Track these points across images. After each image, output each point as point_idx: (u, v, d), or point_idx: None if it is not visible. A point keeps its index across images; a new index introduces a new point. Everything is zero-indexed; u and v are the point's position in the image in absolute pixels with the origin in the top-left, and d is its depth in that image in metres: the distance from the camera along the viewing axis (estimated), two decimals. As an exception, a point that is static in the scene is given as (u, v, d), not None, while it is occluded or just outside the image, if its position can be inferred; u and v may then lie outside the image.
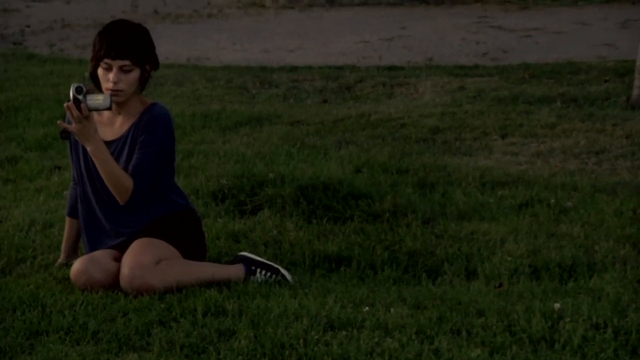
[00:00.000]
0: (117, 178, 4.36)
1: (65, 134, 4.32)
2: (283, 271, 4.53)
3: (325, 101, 9.37)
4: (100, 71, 4.43)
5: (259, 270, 4.51)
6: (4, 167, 6.81)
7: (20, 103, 9.20)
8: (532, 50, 12.33)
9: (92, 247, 4.57)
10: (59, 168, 6.64)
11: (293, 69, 10.97)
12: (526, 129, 7.62)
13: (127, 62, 4.37)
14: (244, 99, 9.62)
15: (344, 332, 3.80)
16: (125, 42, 4.36)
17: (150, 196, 4.50)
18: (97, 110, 4.26)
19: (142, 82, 4.47)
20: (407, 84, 9.81)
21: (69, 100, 4.23)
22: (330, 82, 10.12)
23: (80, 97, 4.22)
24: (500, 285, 4.47)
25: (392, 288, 4.46)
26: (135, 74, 4.40)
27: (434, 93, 9.29)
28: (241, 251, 4.89)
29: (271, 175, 5.86)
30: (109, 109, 4.28)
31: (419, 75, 10.18)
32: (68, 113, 4.26)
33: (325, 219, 5.41)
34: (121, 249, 4.45)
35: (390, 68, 10.85)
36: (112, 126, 4.56)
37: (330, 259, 4.87)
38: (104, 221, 4.56)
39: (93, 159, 4.37)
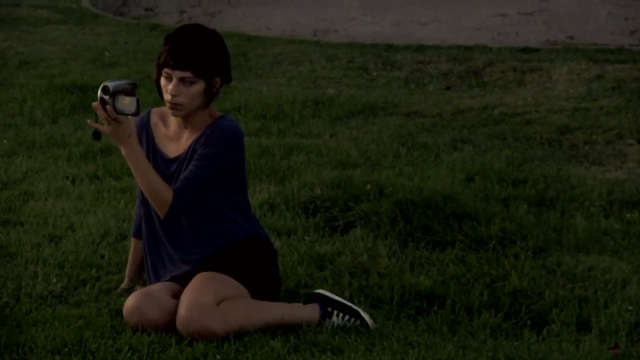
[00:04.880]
0: (153, 187, 3.89)
1: (97, 135, 3.87)
2: (363, 314, 3.98)
3: (448, 87, 8.72)
4: (162, 80, 3.95)
5: (336, 312, 3.97)
6: (95, 160, 6.43)
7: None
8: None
9: (156, 274, 4.12)
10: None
11: (419, 47, 10.31)
12: (667, 132, 6.83)
13: (187, 74, 3.86)
14: (363, 82, 9.05)
15: (418, 407, 3.24)
16: (188, 51, 3.85)
17: (216, 219, 4.00)
18: (124, 114, 3.78)
19: (208, 97, 3.95)
20: (540, 70, 9.04)
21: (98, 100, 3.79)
22: (457, 64, 9.44)
23: (106, 97, 3.75)
24: (616, 346, 3.81)
25: (487, 341, 3.85)
26: (198, 87, 3.89)
27: (569, 82, 8.51)
28: (324, 280, 4.40)
29: (369, 187, 5.29)
30: (136, 114, 3.79)
31: (555, 59, 9.38)
32: (97, 113, 3.81)
33: (423, 243, 4.82)
34: (183, 281, 3.98)
35: (524, 50, 10.07)
36: (178, 142, 4.07)
37: (422, 296, 4.29)
38: (168, 246, 4.09)
39: (128, 163, 3.91)
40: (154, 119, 4.13)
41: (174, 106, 3.89)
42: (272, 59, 10.06)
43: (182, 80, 3.86)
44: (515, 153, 6.45)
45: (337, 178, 5.51)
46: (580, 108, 7.49)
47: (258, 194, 5.56)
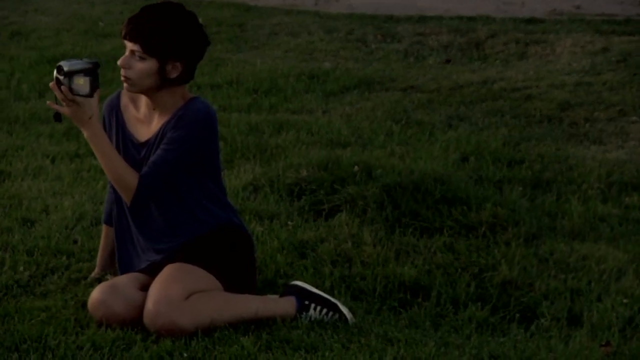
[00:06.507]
0: (117, 172, 3.68)
1: (58, 117, 3.68)
2: (342, 308, 3.77)
3: (448, 61, 8.47)
4: None
5: (313, 305, 3.76)
6: (78, 138, 6.21)
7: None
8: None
9: (125, 265, 3.91)
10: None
11: (421, 18, 10.06)
12: (672, 109, 6.59)
13: (137, 48, 3.64)
14: (361, 54, 8.81)
15: (393, 413, 3.04)
16: (141, 23, 3.62)
17: (187, 206, 3.78)
18: (79, 95, 3.59)
19: (163, 80, 3.70)
20: (543, 42, 8.78)
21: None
22: (458, 36, 9.19)
23: (60, 77, 3.55)
24: (608, 343, 3.60)
25: (472, 338, 3.64)
26: (148, 65, 3.65)
27: (572, 55, 8.26)
28: (305, 269, 4.19)
29: (356, 169, 5.07)
30: (89, 95, 3.60)
31: (559, 31, 9.12)
32: (56, 94, 3.62)
33: (411, 229, 4.60)
34: (152, 272, 3.77)
35: (529, 21, 9.80)
36: (149, 125, 3.85)
37: (406, 287, 4.08)
38: (138, 234, 3.88)
39: (91, 147, 3.71)
40: (124, 100, 3.91)
41: (124, 79, 3.71)
42: (269, 30, 9.82)
43: (133, 53, 3.66)
44: (513, 131, 6.23)
45: (325, 159, 5.29)
46: (582, 82, 7.25)
47: (243, 174, 5.35)
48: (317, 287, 3.90)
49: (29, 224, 4.68)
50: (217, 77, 7.78)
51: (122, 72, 3.70)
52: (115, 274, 4.01)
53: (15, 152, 5.84)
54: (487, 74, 7.72)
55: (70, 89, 3.57)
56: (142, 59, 3.66)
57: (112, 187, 3.94)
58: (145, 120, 3.85)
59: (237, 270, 3.82)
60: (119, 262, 3.95)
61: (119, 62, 3.70)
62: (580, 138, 6.12)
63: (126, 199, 3.75)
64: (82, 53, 8.68)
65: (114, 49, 8.87)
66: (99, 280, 4.02)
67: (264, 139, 6.00)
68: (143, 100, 3.85)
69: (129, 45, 3.66)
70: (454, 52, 8.78)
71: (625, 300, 3.90)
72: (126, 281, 3.73)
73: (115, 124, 3.89)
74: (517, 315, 3.90)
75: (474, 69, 8.08)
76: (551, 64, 8.08)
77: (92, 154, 5.83)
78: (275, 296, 3.84)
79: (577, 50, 8.42)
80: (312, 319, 3.73)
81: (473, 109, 6.79)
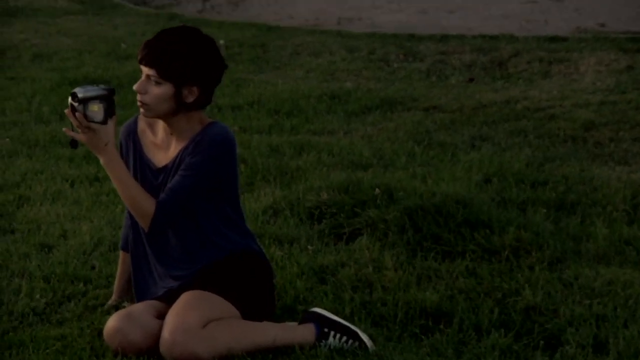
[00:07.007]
0: (134, 199, 3.65)
1: (74, 143, 3.65)
2: (362, 335, 3.70)
3: (471, 80, 8.40)
4: None
5: (332, 333, 3.69)
6: (98, 161, 6.17)
7: (144, 75, 8.59)
8: None
9: (142, 292, 3.86)
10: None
11: (443, 37, 10.00)
12: (698, 129, 6.48)
13: (152, 72, 3.60)
14: (383, 74, 8.76)
15: None
16: (157, 48, 3.59)
17: (205, 232, 3.74)
18: (93, 122, 3.56)
19: (179, 104, 3.66)
20: (567, 61, 8.70)
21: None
22: (481, 55, 9.11)
23: (75, 104, 3.52)
24: (634, 372, 3.51)
25: (494, 366, 3.56)
26: (163, 89, 3.62)
27: (596, 74, 8.16)
28: (325, 294, 4.13)
29: (377, 191, 5.01)
30: (103, 123, 3.58)
31: (583, 49, 9.03)
32: (71, 121, 3.59)
33: (432, 254, 4.53)
34: (169, 300, 3.72)
35: (552, 39, 9.72)
36: (167, 150, 3.81)
37: (427, 313, 4.00)
38: (155, 261, 3.83)
39: (108, 173, 3.68)
40: (142, 125, 3.88)
41: (140, 104, 3.68)
42: (291, 50, 9.79)
43: (148, 77, 3.62)
44: (536, 152, 6.14)
45: (345, 181, 5.23)
46: (607, 102, 7.15)
47: (263, 197, 5.30)
48: (336, 313, 3.84)
49: (46, 249, 4.65)
50: (238, 98, 7.75)
51: (138, 97, 3.67)
52: (132, 301, 3.96)
53: (34, 176, 5.81)
54: (510, 94, 7.64)
55: (85, 116, 3.55)
56: (158, 83, 3.62)
57: (129, 213, 3.90)
58: (163, 146, 3.81)
59: (255, 297, 3.76)
60: (135, 289, 3.90)
61: (134, 87, 3.67)
62: (605, 158, 6.03)
63: (143, 225, 3.70)
64: (104, 75, 8.68)
65: (136, 71, 8.82)
66: (116, 307, 3.97)
67: (284, 161, 5.95)
68: (160, 125, 3.81)
69: (145, 69, 3.63)
70: (476, 71, 8.71)
71: (652, 327, 3.80)
72: (142, 309, 3.68)
73: (133, 149, 3.85)
74: (542, 342, 3.81)
75: (497, 88, 8.01)
76: (575, 82, 8.00)
77: (112, 178, 5.81)
78: (294, 323, 3.77)
79: (601, 68, 8.33)
80: (332, 347, 3.66)
81: (496, 129, 6.72)
